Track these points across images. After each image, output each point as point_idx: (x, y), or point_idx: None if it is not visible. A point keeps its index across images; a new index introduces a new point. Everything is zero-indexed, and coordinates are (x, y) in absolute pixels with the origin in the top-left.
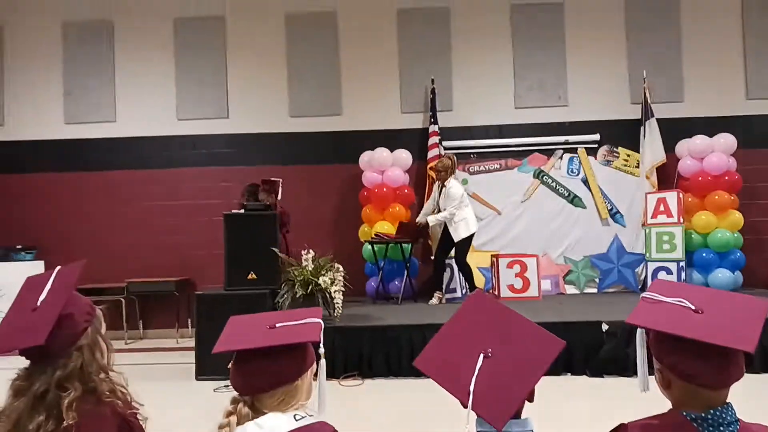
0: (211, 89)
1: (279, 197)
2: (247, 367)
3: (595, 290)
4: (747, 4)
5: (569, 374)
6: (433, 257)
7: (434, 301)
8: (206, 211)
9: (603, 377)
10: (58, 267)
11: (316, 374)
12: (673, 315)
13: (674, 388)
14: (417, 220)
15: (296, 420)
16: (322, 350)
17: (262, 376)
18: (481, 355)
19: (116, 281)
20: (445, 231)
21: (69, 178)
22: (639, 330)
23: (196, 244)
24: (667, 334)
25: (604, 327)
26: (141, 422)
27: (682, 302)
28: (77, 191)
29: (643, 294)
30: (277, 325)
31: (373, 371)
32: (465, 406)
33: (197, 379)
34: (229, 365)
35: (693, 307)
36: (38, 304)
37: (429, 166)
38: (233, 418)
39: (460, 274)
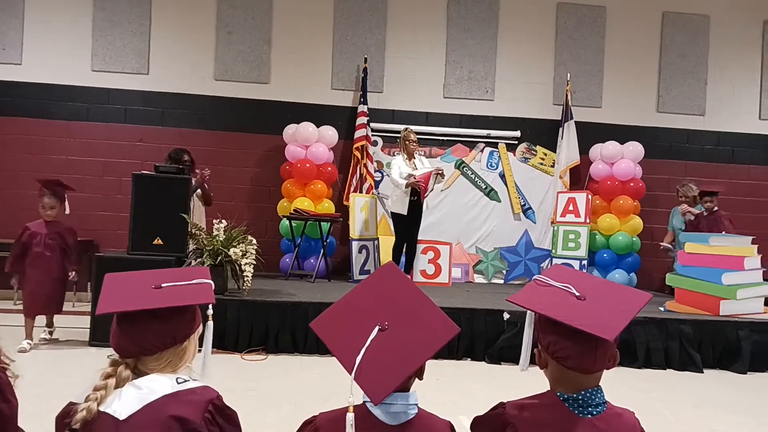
0: (131, 42)
1: (66, 211)
2: (132, 328)
3: (501, 281)
4: (666, 22)
5: (469, 359)
6: (394, 237)
7: None
8: (117, 170)
9: (500, 364)
10: None
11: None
12: (553, 299)
13: (549, 368)
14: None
15: (178, 383)
16: (210, 311)
17: (150, 338)
18: (377, 327)
19: (12, 237)
20: (417, 208)
21: None
22: (529, 312)
23: (102, 203)
24: (546, 317)
25: (506, 316)
26: (11, 379)
27: (568, 288)
28: None
29: (536, 276)
30: (163, 285)
31: (278, 347)
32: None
33: (90, 344)
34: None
35: (577, 294)
36: None
37: (403, 137)
38: (111, 381)
39: (407, 254)
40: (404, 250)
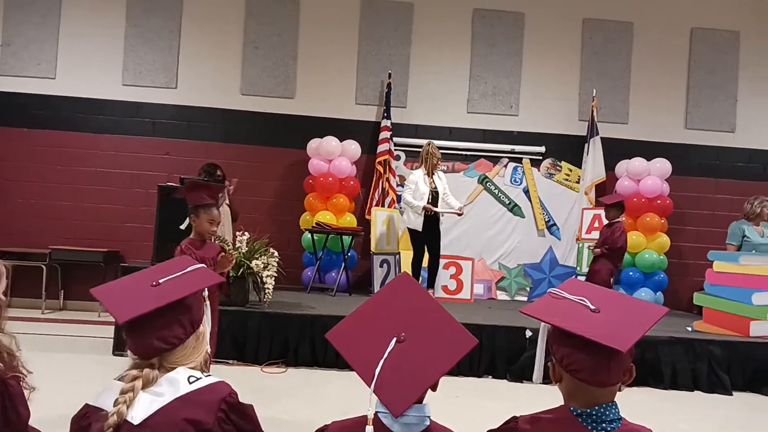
0: (161, 57)
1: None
2: (146, 329)
3: (525, 298)
4: (694, 38)
5: (490, 377)
6: (413, 256)
7: None
8: (144, 183)
9: (522, 382)
10: None
11: None
12: (567, 311)
13: (563, 382)
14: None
15: (190, 383)
16: (206, 293)
17: (168, 333)
18: (394, 339)
19: (41, 247)
20: (434, 223)
21: None
22: (543, 324)
23: (128, 215)
24: (561, 329)
25: (528, 334)
26: (27, 391)
27: (582, 300)
28: (6, 147)
29: (551, 289)
30: (161, 281)
31: (297, 360)
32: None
33: (114, 353)
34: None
35: (592, 307)
36: None
37: (427, 151)
38: (138, 383)
39: (429, 269)
40: (425, 265)
